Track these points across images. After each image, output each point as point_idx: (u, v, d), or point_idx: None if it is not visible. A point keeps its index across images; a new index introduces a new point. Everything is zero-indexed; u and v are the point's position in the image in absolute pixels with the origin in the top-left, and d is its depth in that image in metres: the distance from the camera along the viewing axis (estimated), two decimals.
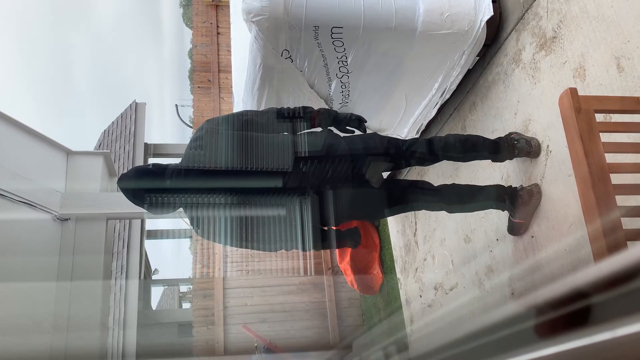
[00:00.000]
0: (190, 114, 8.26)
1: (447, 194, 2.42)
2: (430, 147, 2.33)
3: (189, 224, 2.17)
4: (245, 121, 2.15)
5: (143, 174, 2.07)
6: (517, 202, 2.41)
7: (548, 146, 2.37)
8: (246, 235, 2.07)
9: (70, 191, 4.78)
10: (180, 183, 2.04)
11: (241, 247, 2.16)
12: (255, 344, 5.70)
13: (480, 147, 2.41)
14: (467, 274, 3.12)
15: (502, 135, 2.54)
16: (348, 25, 2.47)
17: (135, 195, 2.06)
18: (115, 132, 9.18)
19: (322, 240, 2.17)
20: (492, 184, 2.53)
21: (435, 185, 2.46)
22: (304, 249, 2.14)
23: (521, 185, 2.45)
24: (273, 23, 2.37)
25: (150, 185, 2.04)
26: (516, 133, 2.53)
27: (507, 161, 2.56)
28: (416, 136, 3.44)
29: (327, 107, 2.87)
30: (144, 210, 2.12)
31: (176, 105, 12.40)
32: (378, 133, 2.46)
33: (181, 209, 2.10)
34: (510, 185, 2.49)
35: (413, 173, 3.90)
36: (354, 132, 2.30)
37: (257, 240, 2.10)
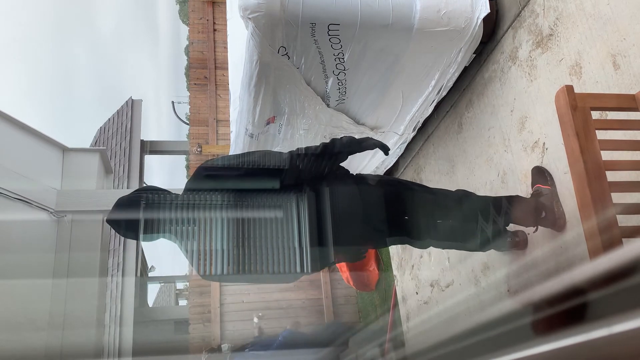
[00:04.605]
0: (187, 110, 8.24)
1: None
2: None
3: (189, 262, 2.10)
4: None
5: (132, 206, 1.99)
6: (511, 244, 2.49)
7: (544, 143, 2.38)
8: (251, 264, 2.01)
9: (66, 188, 4.77)
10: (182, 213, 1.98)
11: (247, 280, 2.09)
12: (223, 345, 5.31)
13: None
14: (463, 271, 3.13)
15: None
16: (345, 22, 2.47)
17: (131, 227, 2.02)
18: (112, 129, 9.17)
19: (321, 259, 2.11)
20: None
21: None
22: (307, 271, 2.07)
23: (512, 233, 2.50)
24: (269, 20, 2.36)
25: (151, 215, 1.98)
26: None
27: (503, 157, 2.56)
28: (413, 133, 3.45)
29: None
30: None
31: (172, 102, 12.37)
32: None
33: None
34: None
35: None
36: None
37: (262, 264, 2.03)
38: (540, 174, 2.35)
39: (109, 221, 2.01)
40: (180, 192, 2.04)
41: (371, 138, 2.18)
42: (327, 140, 2.17)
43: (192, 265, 1.99)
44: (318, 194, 2.14)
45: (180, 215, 1.97)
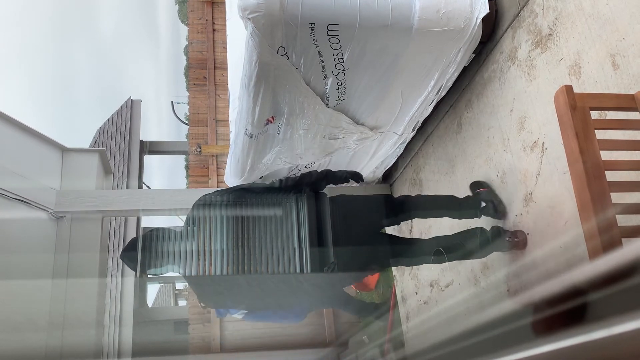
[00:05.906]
0: (186, 111, 8.24)
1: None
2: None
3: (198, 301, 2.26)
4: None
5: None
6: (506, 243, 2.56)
7: (544, 143, 2.38)
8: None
9: (66, 188, 4.76)
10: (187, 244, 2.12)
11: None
12: None
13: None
14: (462, 271, 3.13)
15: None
16: (344, 23, 2.47)
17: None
18: (111, 129, 9.15)
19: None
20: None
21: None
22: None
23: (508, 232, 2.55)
24: (269, 20, 2.36)
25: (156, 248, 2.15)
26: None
27: (502, 157, 2.56)
28: (413, 133, 3.45)
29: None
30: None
31: (172, 102, 12.34)
32: None
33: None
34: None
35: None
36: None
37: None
38: (477, 184, 2.73)
39: (121, 258, 2.21)
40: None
41: (345, 170, 2.45)
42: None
43: (198, 298, 2.15)
44: (318, 195, 2.21)
45: (183, 242, 2.14)
